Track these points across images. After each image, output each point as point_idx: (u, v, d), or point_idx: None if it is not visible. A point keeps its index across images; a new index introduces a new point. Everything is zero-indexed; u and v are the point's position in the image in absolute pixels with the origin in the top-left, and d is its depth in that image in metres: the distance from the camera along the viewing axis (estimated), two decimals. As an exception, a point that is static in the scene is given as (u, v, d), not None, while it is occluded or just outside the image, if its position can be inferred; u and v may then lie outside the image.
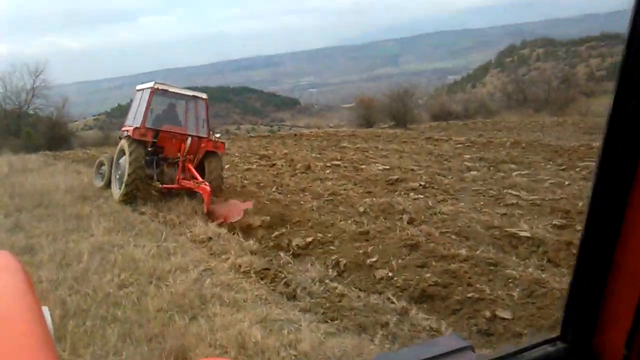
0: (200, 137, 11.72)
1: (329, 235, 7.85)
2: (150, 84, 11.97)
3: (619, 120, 0.80)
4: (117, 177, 11.64)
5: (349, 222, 8.69)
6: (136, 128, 11.30)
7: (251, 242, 7.94)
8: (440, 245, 6.90)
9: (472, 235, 7.42)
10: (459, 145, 18.63)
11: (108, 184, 12.30)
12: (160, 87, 11.95)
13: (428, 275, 5.87)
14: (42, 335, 0.68)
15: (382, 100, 37.38)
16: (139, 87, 12.76)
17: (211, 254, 7.49)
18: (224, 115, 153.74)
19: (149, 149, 11.40)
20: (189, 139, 11.48)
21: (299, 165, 15.18)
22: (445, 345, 0.88)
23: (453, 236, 7.50)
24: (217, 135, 12.31)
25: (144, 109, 11.54)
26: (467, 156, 15.53)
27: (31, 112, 45.82)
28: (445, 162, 14.85)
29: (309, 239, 7.78)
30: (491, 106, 42.14)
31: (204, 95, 12.70)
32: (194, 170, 11.14)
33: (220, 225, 9.02)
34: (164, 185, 11.34)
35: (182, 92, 12.53)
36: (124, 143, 11.48)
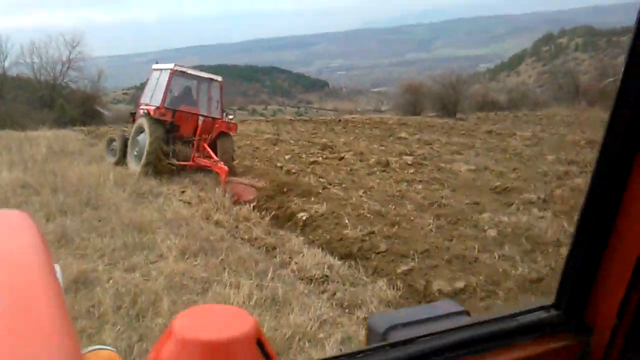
0: (214, 118, 12.22)
1: (490, 285, 5.74)
2: (170, 65, 12.43)
3: (622, 108, 0.83)
4: (135, 153, 12.13)
5: (495, 256, 6.55)
6: (156, 108, 11.74)
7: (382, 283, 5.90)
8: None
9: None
10: (527, 142, 16.86)
11: (120, 161, 12.81)
12: (179, 68, 12.42)
13: None
14: (54, 291, 0.71)
15: (430, 87, 35.64)
16: (155, 66, 13.16)
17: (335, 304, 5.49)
18: (252, 95, 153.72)
19: (167, 127, 11.90)
20: (203, 119, 12.11)
21: (372, 160, 13.33)
22: (441, 309, 0.92)
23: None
24: (230, 117, 12.83)
25: (163, 89, 11.99)
26: (551, 157, 13.50)
27: (65, 84, 45.05)
28: (529, 164, 12.97)
29: (461, 284, 5.71)
30: (536, 97, 40.31)
31: (219, 78, 13.22)
32: (209, 150, 11.62)
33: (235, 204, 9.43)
34: (180, 162, 11.79)
35: (198, 74, 12.96)
36: (143, 121, 11.93)
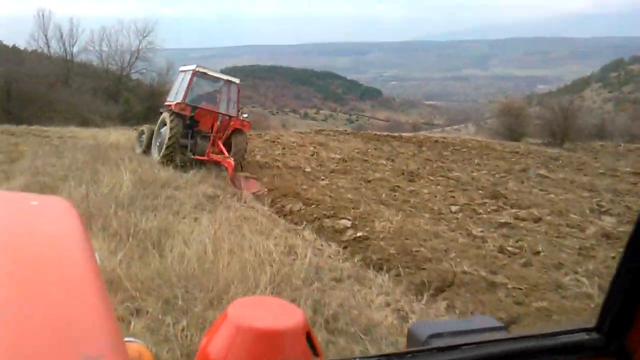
0: (230, 116, 13.17)
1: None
2: (193, 66, 13.54)
3: None
4: (158, 143, 13.24)
5: None
6: (177, 103, 12.87)
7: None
8: None
9: None
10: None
11: (146, 150, 13.91)
12: (201, 69, 13.53)
13: None
14: (96, 278, 0.76)
15: (535, 111, 32.58)
16: (182, 68, 14.46)
17: None
18: (305, 98, 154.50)
19: (187, 122, 12.91)
20: (220, 117, 13.00)
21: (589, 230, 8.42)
22: (480, 323, 0.93)
23: None
24: (245, 115, 13.63)
25: (185, 87, 13.11)
26: None
27: (133, 75, 43.70)
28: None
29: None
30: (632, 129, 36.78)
31: (237, 80, 14.16)
32: (222, 146, 12.68)
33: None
34: (196, 156, 12.71)
35: (218, 75, 14.21)
36: (165, 115, 13.12)
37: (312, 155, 16.26)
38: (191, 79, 13.21)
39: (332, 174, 13.16)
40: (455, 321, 1.10)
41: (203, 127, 13.09)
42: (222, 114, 13.08)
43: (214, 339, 0.72)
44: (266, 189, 10.52)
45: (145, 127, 14.90)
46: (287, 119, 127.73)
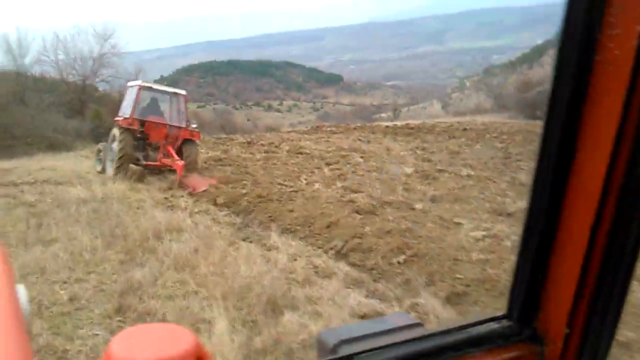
0: (179, 127, 13.67)
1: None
2: (139, 82, 14.37)
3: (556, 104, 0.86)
4: (110, 159, 13.62)
5: None
6: (125, 118, 13.29)
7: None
8: None
9: None
10: None
11: (104, 169, 14.06)
12: (146, 84, 14.28)
13: None
14: (13, 316, 0.72)
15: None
16: (129, 84, 15.12)
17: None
18: (267, 90, 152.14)
19: (138, 136, 13.28)
20: (169, 128, 13.56)
21: None
22: (393, 322, 0.92)
23: None
24: (194, 125, 14.12)
25: (133, 103, 13.49)
26: None
27: (98, 85, 38.77)
28: None
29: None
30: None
31: (183, 92, 14.76)
32: (172, 151, 13.02)
33: (191, 194, 10.49)
34: (147, 163, 13.28)
35: (164, 88, 14.86)
36: (115, 130, 13.50)
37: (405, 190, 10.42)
38: (137, 94, 13.65)
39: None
40: (368, 323, 1.05)
41: (154, 139, 13.55)
42: (170, 125, 13.68)
43: None
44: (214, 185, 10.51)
45: (101, 145, 15.07)
46: (251, 112, 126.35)
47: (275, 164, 14.08)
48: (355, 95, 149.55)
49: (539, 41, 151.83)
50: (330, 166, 13.16)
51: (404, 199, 8.87)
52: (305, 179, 11.34)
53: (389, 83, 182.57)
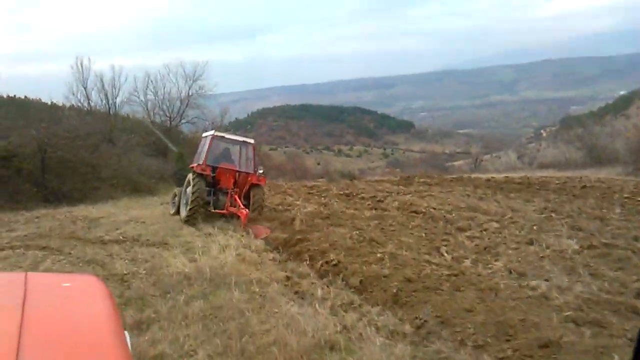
0: (247, 173, 14.59)
1: None
2: (212, 132, 15.51)
3: None
4: (184, 202, 14.30)
5: None
6: (198, 164, 14.29)
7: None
8: None
9: None
10: None
11: (177, 211, 14.91)
12: (218, 134, 15.39)
13: None
14: (122, 357, 0.77)
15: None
16: (204, 134, 16.22)
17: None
18: (337, 135, 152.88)
19: (209, 181, 14.22)
20: (239, 174, 14.57)
21: None
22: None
23: None
24: (261, 171, 14.66)
25: (206, 150, 14.48)
26: None
27: (183, 126, 38.37)
28: None
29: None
30: None
31: (252, 141, 15.82)
32: (238, 200, 13.74)
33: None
34: (216, 210, 13.98)
35: (235, 137, 15.81)
36: (190, 176, 14.30)
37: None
38: (210, 143, 14.61)
39: None
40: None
41: (224, 185, 14.37)
42: (239, 171, 14.60)
43: None
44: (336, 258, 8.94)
45: (176, 190, 15.96)
46: (321, 156, 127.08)
47: (392, 225, 12.17)
48: (426, 142, 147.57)
49: (622, 92, 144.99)
50: (465, 233, 11.09)
51: (610, 297, 6.61)
52: (447, 252, 9.31)
53: (461, 131, 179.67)
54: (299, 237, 10.45)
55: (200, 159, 14.52)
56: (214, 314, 5.91)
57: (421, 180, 24.58)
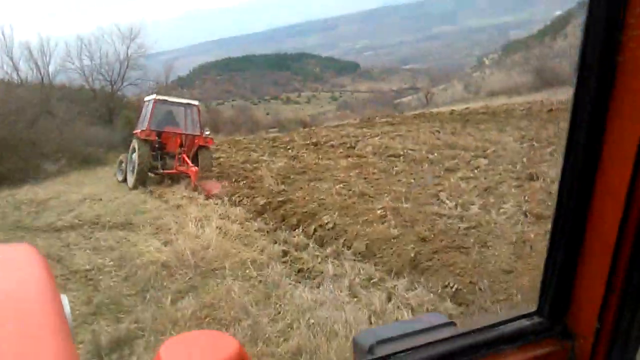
0: (194, 135, 14.83)
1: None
2: (153, 96, 15.60)
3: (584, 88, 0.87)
4: (130, 169, 14.55)
5: None
6: (142, 130, 14.39)
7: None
8: None
9: None
10: None
11: (125, 178, 14.98)
12: (160, 98, 15.62)
13: None
14: (59, 324, 0.75)
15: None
16: (145, 98, 16.27)
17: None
18: (283, 83, 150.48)
19: (155, 146, 14.37)
20: (185, 136, 14.73)
21: None
22: (426, 321, 0.92)
23: None
24: (207, 132, 15.06)
25: (149, 115, 14.73)
26: None
27: (125, 89, 36.20)
28: None
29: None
30: None
31: (196, 102, 16.12)
32: (187, 159, 13.80)
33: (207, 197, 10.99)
34: (165, 171, 14.33)
35: (177, 100, 16.14)
36: (134, 142, 14.52)
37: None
38: (153, 107, 14.67)
39: None
40: (402, 323, 1.09)
41: (171, 149, 14.38)
42: (185, 133, 14.66)
43: None
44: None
45: (122, 157, 15.93)
46: (270, 106, 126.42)
47: (374, 173, 11.20)
48: (373, 81, 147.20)
49: (558, 12, 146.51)
50: (457, 174, 10.20)
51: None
52: (448, 198, 8.41)
53: (406, 67, 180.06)
54: (280, 199, 9.33)
55: (143, 124, 14.59)
56: (210, 315, 4.74)
57: (383, 120, 23.94)
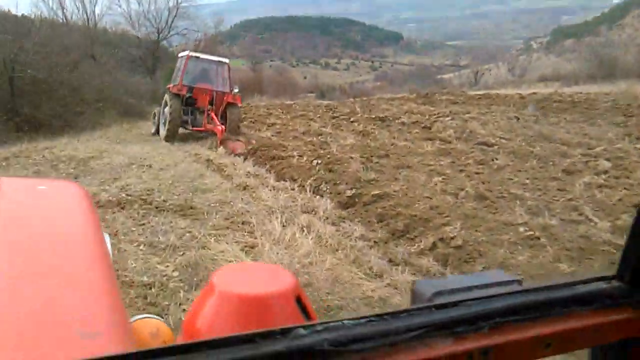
0: (223, 92, 15.01)
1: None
2: (187, 52, 16.24)
3: None
4: (162, 122, 15.24)
5: None
6: (174, 85, 14.86)
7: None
8: None
9: None
10: None
11: (157, 130, 15.88)
12: (193, 54, 16.05)
13: None
14: (102, 260, 0.76)
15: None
16: (180, 54, 16.82)
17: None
18: (324, 48, 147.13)
19: (187, 101, 14.77)
20: (215, 93, 14.96)
21: None
22: (490, 277, 0.86)
23: None
24: (236, 90, 15.10)
25: (182, 71, 15.05)
26: None
27: (172, 39, 34.24)
28: None
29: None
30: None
31: (227, 60, 16.44)
32: (215, 117, 14.02)
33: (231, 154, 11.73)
34: (194, 128, 14.84)
35: (210, 57, 16.33)
36: (167, 96, 15.00)
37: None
38: (186, 63, 15.07)
39: None
40: (462, 277, 0.92)
41: (201, 104, 14.71)
42: (215, 90, 14.90)
43: (200, 308, 0.69)
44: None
45: (156, 110, 16.56)
46: (308, 70, 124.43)
47: (469, 165, 9.34)
48: (415, 55, 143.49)
49: (616, 0, 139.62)
50: (583, 178, 8.29)
51: None
52: (594, 214, 6.57)
53: (450, 43, 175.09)
54: (375, 191, 7.58)
55: (176, 79, 15.04)
56: None
57: (444, 98, 21.87)
